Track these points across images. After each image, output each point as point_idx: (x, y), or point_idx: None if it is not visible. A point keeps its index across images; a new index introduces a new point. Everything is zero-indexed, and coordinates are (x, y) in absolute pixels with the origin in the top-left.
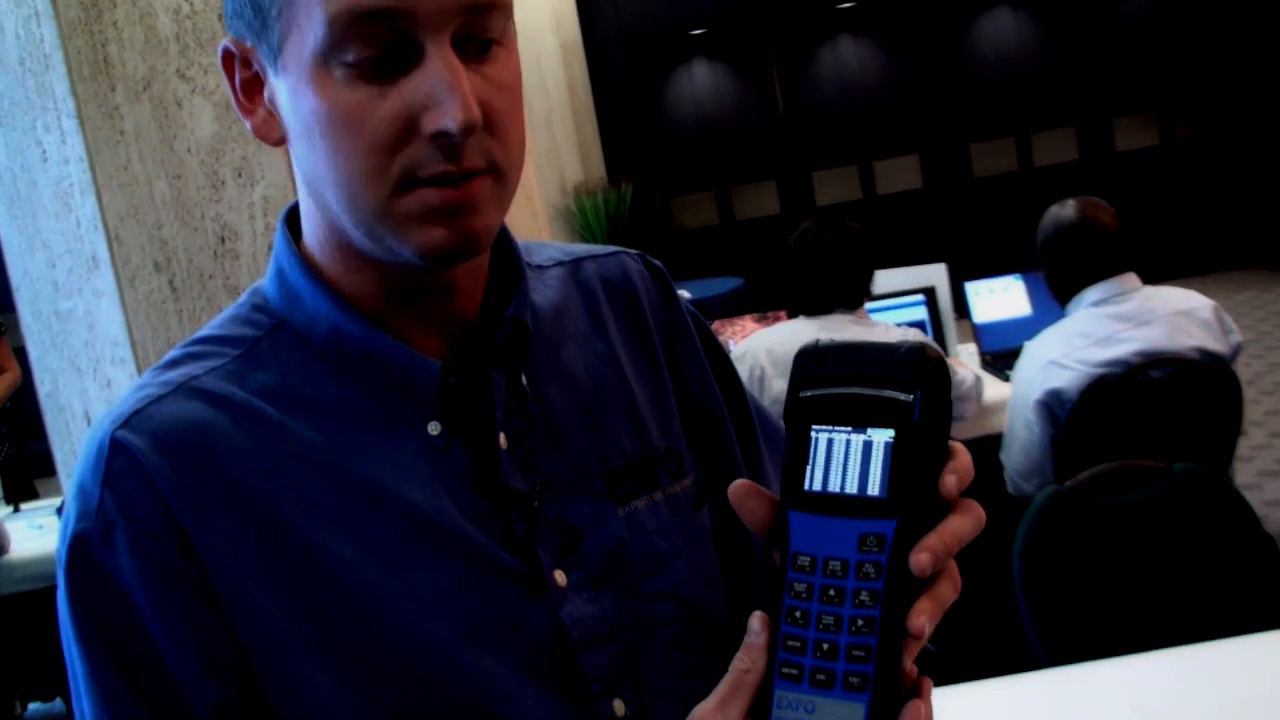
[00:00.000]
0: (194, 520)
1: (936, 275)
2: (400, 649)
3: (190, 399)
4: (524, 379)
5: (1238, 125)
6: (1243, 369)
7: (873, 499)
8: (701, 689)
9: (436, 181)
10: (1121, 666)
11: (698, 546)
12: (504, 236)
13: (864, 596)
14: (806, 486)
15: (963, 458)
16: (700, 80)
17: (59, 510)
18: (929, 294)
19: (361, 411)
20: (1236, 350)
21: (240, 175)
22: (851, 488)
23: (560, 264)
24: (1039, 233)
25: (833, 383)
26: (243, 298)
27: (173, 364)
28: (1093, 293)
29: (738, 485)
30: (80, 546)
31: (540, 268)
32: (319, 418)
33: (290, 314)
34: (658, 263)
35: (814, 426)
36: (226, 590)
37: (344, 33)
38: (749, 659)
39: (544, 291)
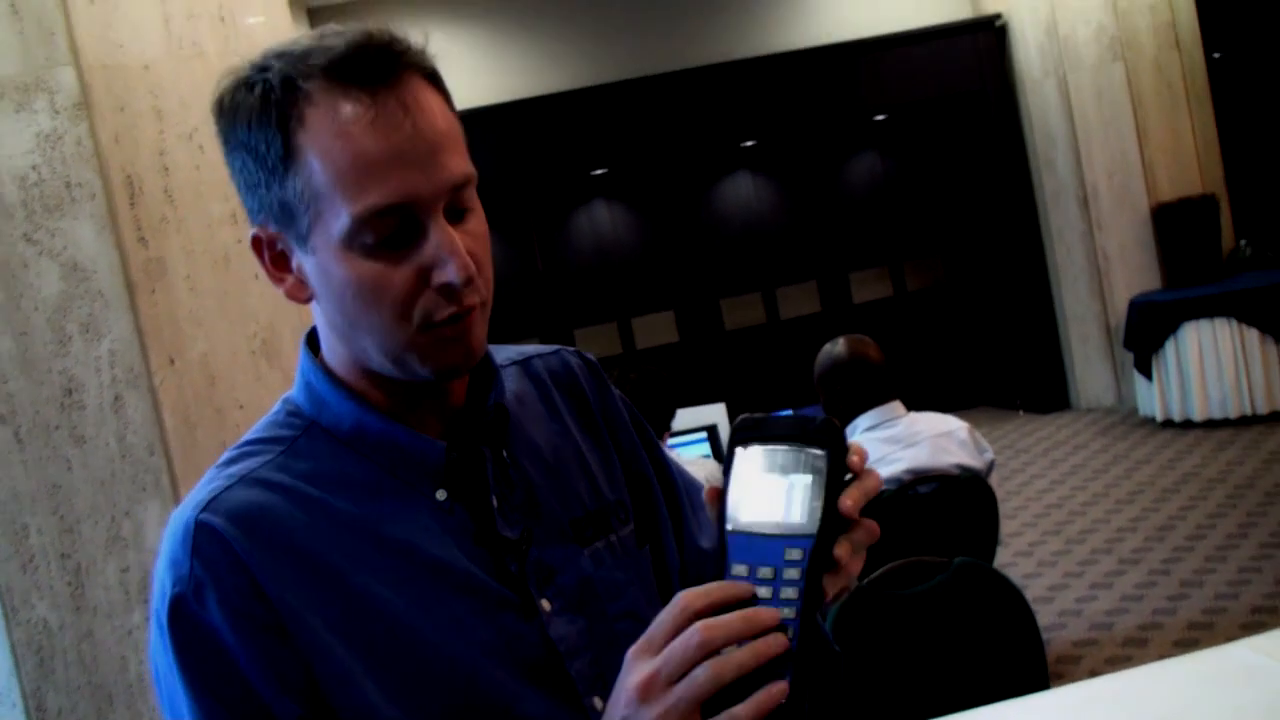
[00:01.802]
0: (267, 577)
1: (717, 414)
2: (432, 666)
3: (251, 486)
4: (505, 453)
5: (961, 277)
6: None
7: (794, 524)
8: None
9: (449, 322)
10: None
11: (644, 576)
12: None
13: (788, 592)
14: (741, 516)
15: (868, 481)
16: None
17: None
18: (711, 430)
19: (383, 486)
20: (990, 466)
21: (87, 331)
22: (778, 516)
23: (515, 363)
24: (815, 368)
25: (764, 440)
26: (276, 406)
27: (230, 462)
28: (865, 419)
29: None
30: (178, 605)
31: (501, 366)
32: (351, 493)
33: (319, 415)
34: (591, 356)
35: (747, 472)
36: (297, 630)
37: (364, 224)
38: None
39: (507, 384)
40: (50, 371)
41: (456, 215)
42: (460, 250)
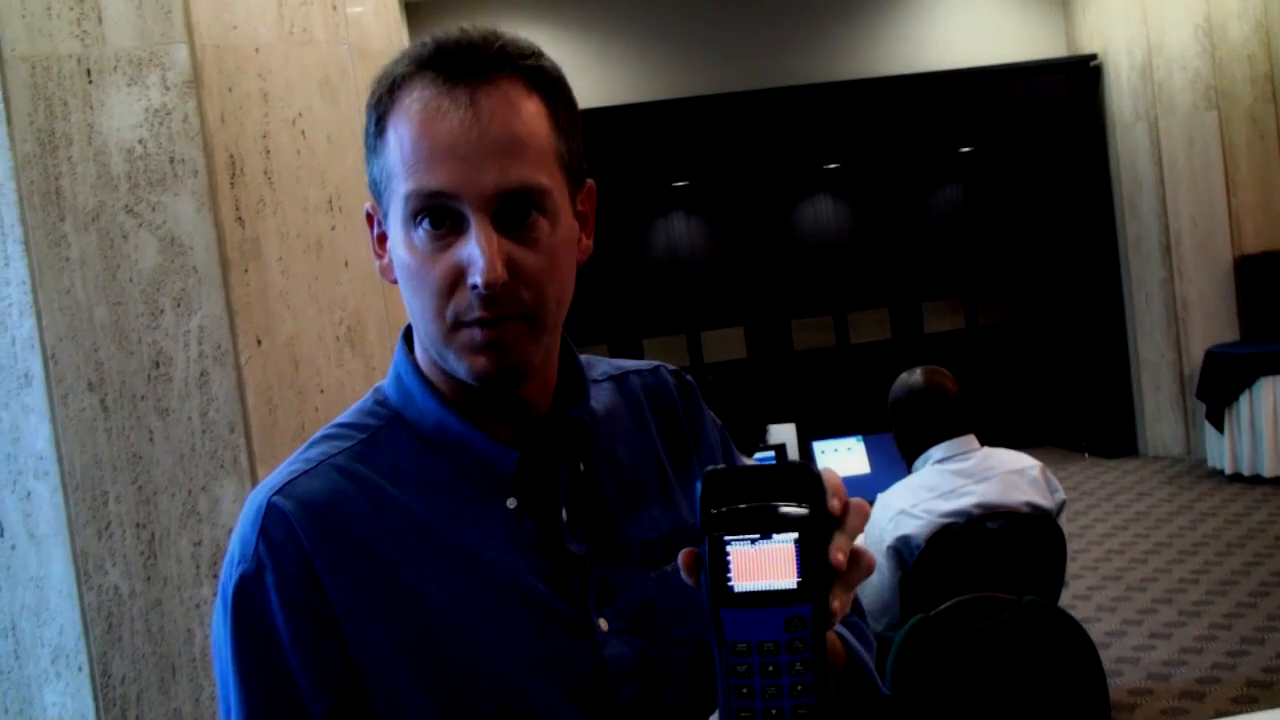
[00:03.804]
0: (327, 567)
1: (786, 434)
2: (479, 674)
3: (328, 474)
4: (581, 467)
5: (1036, 315)
6: None
7: (790, 590)
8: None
9: (478, 324)
10: None
11: None
12: (569, 352)
13: (798, 666)
14: (733, 588)
15: (853, 521)
16: None
17: None
18: (779, 451)
19: (456, 487)
20: (1061, 506)
21: (179, 305)
22: (771, 583)
23: (611, 378)
24: (890, 396)
25: (739, 499)
26: (368, 394)
27: (313, 444)
28: (938, 450)
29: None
30: (240, 583)
31: (596, 381)
32: (423, 491)
33: (404, 409)
34: (689, 378)
35: (728, 538)
36: (347, 622)
37: (416, 206)
38: None
39: (599, 398)
40: (140, 343)
41: (515, 223)
42: (492, 255)
